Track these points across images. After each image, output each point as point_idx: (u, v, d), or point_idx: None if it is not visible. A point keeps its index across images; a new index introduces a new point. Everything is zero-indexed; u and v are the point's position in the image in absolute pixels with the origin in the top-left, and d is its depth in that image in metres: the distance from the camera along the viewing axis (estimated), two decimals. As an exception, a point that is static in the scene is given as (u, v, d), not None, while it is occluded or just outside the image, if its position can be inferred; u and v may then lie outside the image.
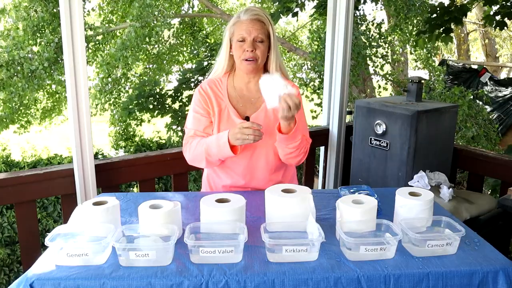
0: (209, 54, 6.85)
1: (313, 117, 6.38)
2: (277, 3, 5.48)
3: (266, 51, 1.70)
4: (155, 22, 7.02)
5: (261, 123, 1.70)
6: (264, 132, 1.60)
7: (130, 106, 6.52)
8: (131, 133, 6.98)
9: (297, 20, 6.36)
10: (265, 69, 1.79)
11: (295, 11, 5.39)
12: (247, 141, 1.55)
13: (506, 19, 3.91)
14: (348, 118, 3.22)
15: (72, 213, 1.54)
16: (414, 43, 6.01)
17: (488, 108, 6.79)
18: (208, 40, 7.74)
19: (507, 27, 4.17)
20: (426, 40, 4.39)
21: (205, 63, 6.72)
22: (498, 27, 3.99)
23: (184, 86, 6.66)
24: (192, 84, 6.64)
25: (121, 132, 7.01)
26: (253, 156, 1.74)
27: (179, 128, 6.53)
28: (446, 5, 4.18)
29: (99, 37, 7.40)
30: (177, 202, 1.40)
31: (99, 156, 5.09)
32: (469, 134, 5.07)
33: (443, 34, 4.16)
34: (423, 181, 2.28)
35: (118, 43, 6.81)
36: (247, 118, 1.73)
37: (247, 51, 1.66)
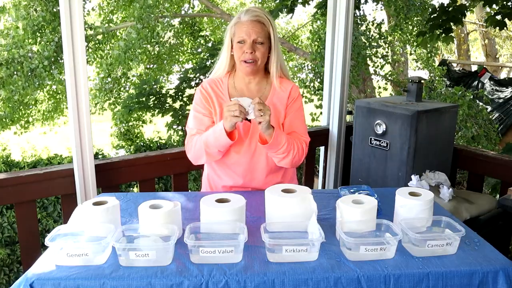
0: (210, 54, 6.84)
1: (313, 119, 6.38)
2: (277, 1, 5.47)
3: (266, 53, 1.70)
4: (156, 23, 7.01)
5: None
6: None
7: (131, 104, 6.52)
8: (135, 134, 6.97)
9: (291, 17, 6.31)
10: (266, 70, 1.79)
11: (295, 8, 5.36)
12: (236, 118, 1.53)
13: (506, 20, 3.91)
14: (348, 118, 3.22)
15: (72, 213, 1.54)
16: (415, 43, 5.99)
17: (488, 108, 6.79)
18: (211, 39, 7.72)
19: (507, 28, 4.16)
20: (428, 40, 4.39)
21: (207, 62, 6.70)
22: (498, 27, 3.99)
23: (185, 85, 6.65)
24: (193, 83, 6.64)
25: (123, 132, 7.00)
26: (254, 157, 1.74)
27: (179, 127, 6.52)
28: (445, 5, 4.17)
29: (99, 37, 7.40)
30: (177, 202, 1.40)
31: (99, 156, 5.09)
32: (469, 134, 5.07)
33: (443, 34, 4.15)
34: (419, 184, 2.27)
35: (121, 45, 6.80)
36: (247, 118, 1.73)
37: (246, 52, 1.66)
